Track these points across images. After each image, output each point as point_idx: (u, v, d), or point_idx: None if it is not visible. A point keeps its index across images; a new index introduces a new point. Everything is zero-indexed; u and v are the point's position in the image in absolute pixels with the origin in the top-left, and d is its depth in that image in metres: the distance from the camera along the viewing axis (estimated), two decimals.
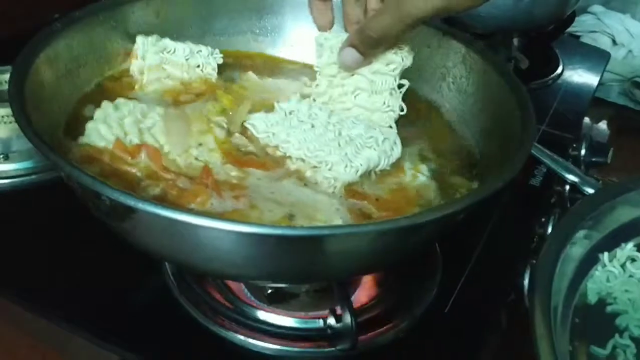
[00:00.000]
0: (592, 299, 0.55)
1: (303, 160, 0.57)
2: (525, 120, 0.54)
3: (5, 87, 0.77)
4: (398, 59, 0.60)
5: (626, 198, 0.58)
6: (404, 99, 0.62)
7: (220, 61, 0.69)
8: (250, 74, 0.71)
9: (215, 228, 0.41)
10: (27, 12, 0.96)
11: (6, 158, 0.72)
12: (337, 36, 0.62)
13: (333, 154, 0.56)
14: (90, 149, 0.54)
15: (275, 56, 0.75)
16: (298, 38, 0.74)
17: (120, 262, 0.61)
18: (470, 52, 0.65)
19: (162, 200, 0.50)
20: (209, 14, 0.72)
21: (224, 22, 0.73)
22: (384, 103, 0.61)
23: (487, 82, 0.63)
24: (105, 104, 0.58)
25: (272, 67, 0.74)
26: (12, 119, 0.72)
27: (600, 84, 1.02)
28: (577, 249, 0.54)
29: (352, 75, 0.62)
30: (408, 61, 0.61)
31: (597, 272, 0.56)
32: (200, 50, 0.68)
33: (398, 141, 0.59)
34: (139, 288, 0.62)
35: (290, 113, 0.60)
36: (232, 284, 0.60)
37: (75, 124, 0.57)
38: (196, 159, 0.56)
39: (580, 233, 0.54)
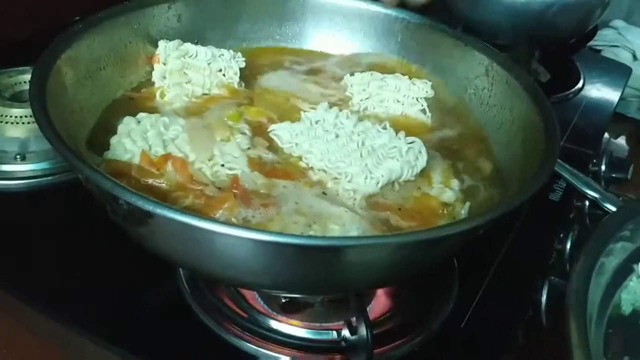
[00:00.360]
0: (627, 309, 0.54)
1: (325, 171, 0.56)
2: (549, 136, 0.54)
3: (24, 87, 0.78)
4: (422, 89, 0.66)
5: None
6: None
7: (243, 65, 0.68)
8: (275, 76, 0.71)
9: (233, 235, 0.41)
10: (50, 13, 0.96)
11: (23, 158, 0.71)
12: (362, 74, 0.67)
13: (354, 165, 0.55)
14: (117, 163, 0.54)
15: (302, 53, 0.74)
16: (320, 43, 0.74)
17: (134, 266, 0.60)
18: (494, 64, 0.65)
19: (191, 210, 0.50)
20: (230, 19, 0.72)
21: (245, 27, 0.73)
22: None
23: (510, 95, 0.62)
24: (128, 119, 0.58)
25: (297, 66, 0.73)
26: (30, 119, 0.72)
27: (620, 99, 1.01)
28: (611, 260, 0.53)
29: (382, 100, 0.66)
30: (430, 93, 0.67)
31: (632, 283, 0.55)
32: (222, 54, 0.67)
33: (423, 150, 0.58)
34: (152, 292, 0.61)
35: (316, 122, 0.60)
36: (245, 292, 0.60)
37: (98, 134, 0.57)
38: (222, 166, 0.56)
39: (616, 244, 0.53)
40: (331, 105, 0.63)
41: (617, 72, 1.07)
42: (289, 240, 0.40)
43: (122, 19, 0.64)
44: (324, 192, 0.55)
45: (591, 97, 0.98)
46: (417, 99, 0.67)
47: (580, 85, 0.98)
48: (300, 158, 0.58)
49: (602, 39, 1.19)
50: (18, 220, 0.66)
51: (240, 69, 0.68)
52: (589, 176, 0.79)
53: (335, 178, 0.56)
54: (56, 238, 0.64)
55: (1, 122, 0.72)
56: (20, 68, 0.80)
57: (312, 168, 0.57)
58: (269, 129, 0.61)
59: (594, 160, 0.85)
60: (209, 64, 0.67)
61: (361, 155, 0.56)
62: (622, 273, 0.54)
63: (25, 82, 0.78)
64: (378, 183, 0.55)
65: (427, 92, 0.67)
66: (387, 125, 0.60)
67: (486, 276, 0.64)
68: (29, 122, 0.72)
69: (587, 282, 0.48)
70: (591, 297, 0.47)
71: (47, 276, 0.61)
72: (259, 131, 0.61)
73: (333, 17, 0.72)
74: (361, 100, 0.67)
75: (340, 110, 0.62)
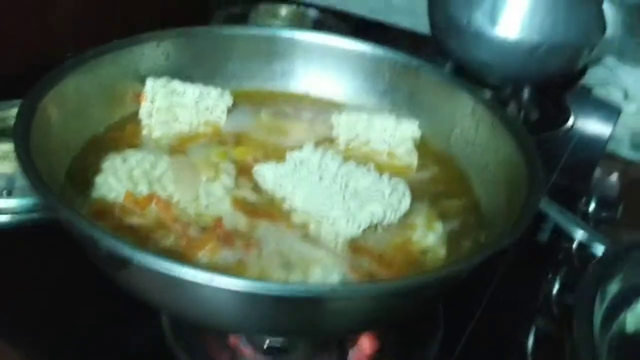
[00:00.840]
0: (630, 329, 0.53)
1: (307, 213, 0.56)
2: (533, 179, 0.54)
3: (11, 122, 0.78)
4: (409, 129, 0.67)
5: None
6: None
7: (230, 103, 0.68)
8: (263, 115, 0.71)
9: (211, 285, 0.40)
10: (41, 48, 0.97)
11: (9, 193, 0.71)
12: (350, 115, 0.67)
13: (336, 208, 0.55)
14: (101, 203, 0.54)
15: (289, 92, 0.74)
16: (309, 82, 0.74)
17: (117, 306, 0.59)
18: (479, 105, 0.65)
19: (172, 251, 0.50)
20: (219, 57, 0.72)
21: (234, 66, 0.73)
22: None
23: (495, 136, 0.62)
24: (113, 156, 0.58)
25: (285, 105, 0.73)
26: None
27: (611, 137, 1.01)
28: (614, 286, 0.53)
29: (369, 141, 0.67)
30: (417, 132, 0.67)
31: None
32: (210, 93, 0.68)
33: (407, 193, 0.57)
34: (134, 333, 0.60)
35: (300, 163, 0.60)
36: (229, 335, 0.59)
37: (80, 170, 0.57)
38: (207, 207, 0.55)
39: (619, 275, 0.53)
40: (317, 144, 0.64)
41: (606, 111, 1.07)
42: (265, 290, 0.40)
43: (111, 57, 0.64)
44: (305, 234, 0.55)
45: (581, 135, 0.99)
46: (403, 140, 0.67)
47: (570, 123, 0.99)
48: (283, 199, 0.58)
49: (594, 77, 1.19)
50: (4, 255, 0.66)
51: (228, 108, 0.68)
52: (578, 215, 0.79)
53: (317, 221, 0.56)
54: (40, 275, 0.64)
55: None
56: (10, 102, 0.80)
57: (295, 210, 0.57)
58: (253, 169, 0.61)
59: (584, 199, 0.85)
60: (196, 102, 0.67)
61: (344, 198, 0.56)
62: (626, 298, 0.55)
63: (13, 117, 0.78)
64: (360, 227, 0.55)
65: (413, 131, 0.67)
66: (372, 167, 0.60)
67: (472, 318, 0.64)
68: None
69: (592, 305, 0.48)
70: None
71: (29, 314, 0.60)
72: (243, 171, 0.61)
73: (322, 57, 0.72)
74: (348, 140, 0.67)
75: (326, 150, 0.62)
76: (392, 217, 0.56)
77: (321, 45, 0.72)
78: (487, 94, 0.67)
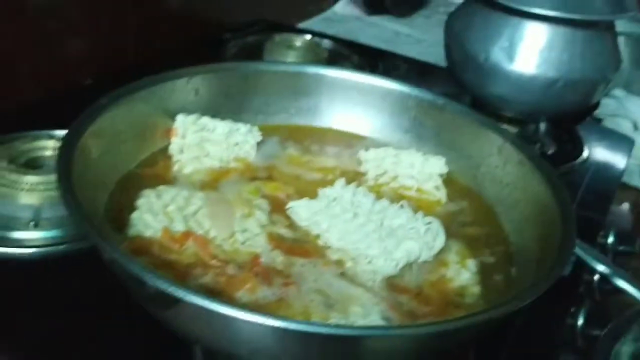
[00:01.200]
0: None
1: (343, 251, 0.57)
2: (566, 221, 0.55)
3: (39, 153, 0.79)
4: (436, 166, 0.68)
5: None
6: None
7: (259, 139, 0.69)
8: (290, 150, 0.72)
9: (263, 325, 0.41)
10: (58, 76, 0.98)
11: (36, 225, 0.71)
12: (378, 150, 0.69)
13: (373, 247, 0.56)
14: (139, 240, 0.54)
15: (317, 126, 0.75)
16: (333, 117, 0.75)
17: (147, 340, 0.60)
18: (506, 144, 0.66)
19: (211, 288, 0.50)
20: (246, 93, 0.73)
21: (260, 101, 0.74)
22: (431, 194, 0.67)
23: (523, 175, 0.63)
24: (147, 192, 0.59)
25: (310, 139, 0.74)
26: (45, 186, 0.72)
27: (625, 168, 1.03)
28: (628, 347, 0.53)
29: (397, 177, 0.68)
30: (444, 169, 0.68)
31: None
32: (239, 129, 0.69)
33: (441, 231, 0.59)
34: None
35: (333, 200, 0.60)
36: None
37: (114, 207, 0.58)
38: (243, 243, 0.56)
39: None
40: (348, 180, 0.64)
41: (619, 142, 1.08)
42: (318, 330, 0.41)
43: (143, 93, 0.65)
44: (342, 272, 0.55)
45: (596, 168, 1.00)
46: (431, 175, 0.68)
47: (585, 155, 1.00)
48: (318, 236, 0.59)
49: (603, 109, 1.21)
50: (29, 289, 0.65)
51: (258, 143, 0.69)
52: (597, 248, 0.80)
53: (354, 258, 0.56)
54: (68, 308, 0.64)
55: (16, 189, 0.72)
56: (34, 133, 0.81)
57: (330, 247, 0.58)
58: (287, 206, 0.61)
59: (601, 232, 0.86)
60: (226, 138, 0.68)
61: (380, 236, 0.57)
62: None
63: (39, 148, 0.79)
64: (397, 265, 0.56)
65: (441, 168, 0.68)
66: (405, 205, 0.60)
67: (500, 353, 0.64)
68: (43, 190, 0.73)
69: None
70: None
71: (58, 347, 0.60)
72: (276, 207, 0.62)
73: (348, 93, 0.74)
74: (376, 175, 0.68)
75: (358, 187, 0.62)
76: (426, 255, 0.57)
77: (348, 81, 0.74)
78: (513, 130, 0.67)
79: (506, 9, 0.87)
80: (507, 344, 0.66)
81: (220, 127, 0.68)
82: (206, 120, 0.68)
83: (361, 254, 0.56)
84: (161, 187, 0.60)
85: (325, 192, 0.62)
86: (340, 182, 0.63)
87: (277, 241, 0.57)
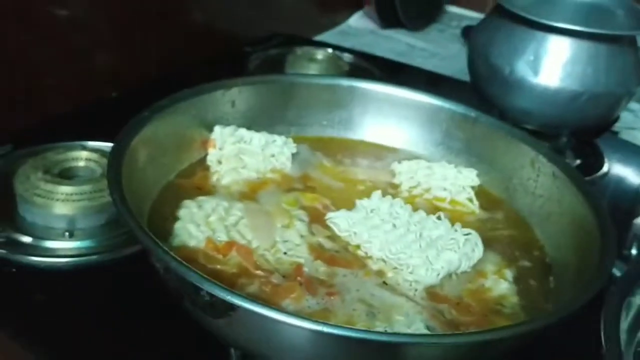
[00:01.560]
0: None
1: (384, 261, 0.58)
2: (604, 234, 0.56)
3: (72, 164, 0.80)
4: (468, 178, 0.69)
5: None
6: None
7: (294, 150, 0.71)
8: (324, 161, 0.73)
9: (317, 331, 0.42)
10: (84, 89, 0.99)
11: (71, 235, 0.72)
12: (411, 162, 0.71)
13: (414, 257, 0.57)
14: (184, 250, 0.55)
15: (349, 138, 0.77)
16: (365, 130, 0.77)
17: (181, 348, 0.60)
18: (539, 156, 0.67)
19: (258, 297, 0.51)
20: (280, 105, 0.74)
21: (294, 113, 0.75)
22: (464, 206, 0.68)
23: (557, 187, 0.64)
24: (188, 203, 0.60)
25: (343, 151, 0.75)
26: (79, 197, 0.73)
27: None
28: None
29: (429, 189, 0.69)
30: (476, 181, 0.70)
31: None
32: (275, 140, 0.70)
33: (479, 243, 0.60)
34: None
35: (371, 211, 0.61)
36: None
37: (157, 219, 0.59)
38: (285, 254, 0.57)
39: None
40: (382, 192, 0.65)
41: (637, 154, 1.10)
42: (379, 338, 0.42)
43: (183, 105, 0.66)
44: (384, 282, 0.56)
45: (617, 180, 1.01)
46: (463, 187, 0.69)
47: (605, 168, 1.01)
48: (358, 246, 0.60)
49: (620, 122, 1.23)
50: (64, 298, 0.66)
51: (292, 155, 0.70)
52: (621, 261, 0.81)
53: (395, 268, 0.57)
54: (102, 318, 0.65)
55: (51, 199, 0.73)
56: (67, 144, 0.82)
57: (370, 257, 0.59)
58: (326, 217, 0.63)
59: (625, 245, 0.86)
60: (262, 149, 0.69)
61: (420, 247, 0.58)
62: None
63: (73, 158, 0.80)
64: (439, 274, 0.57)
65: (473, 180, 0.69)
66: (442, 217, 0.62)
67: None
68: (77, 200, 0.74)
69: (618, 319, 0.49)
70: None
71: (90, 356, 0.61)
72: (315, 217, 0.63)
73: (380, 105, 0.75)
74: (410, 187, 0.70)
75: (395, 198, 0.63)
76: (466, 265, 0.58)
77: (380, 94, 0.75)
78: (547, 146, 0.68)
79: (531, 22, 0.88)
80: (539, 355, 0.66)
81: (256, 139, 0.69)
82: (243, 132, 0.69)
83: (403, 263, 0.57)
84: (201, 198, 0.61)
85: (362, 204, 0.63)
86: (377, 193, 0.64)
87: (318, 251, 0.58)
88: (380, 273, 0.57)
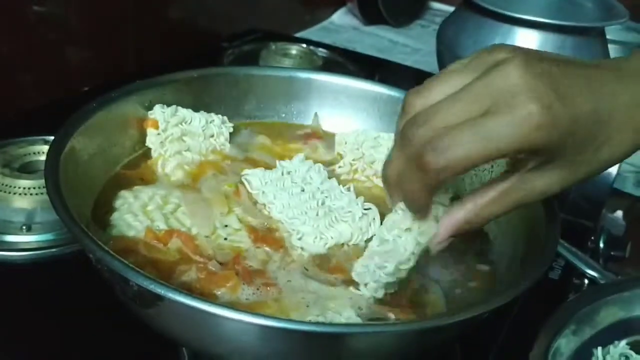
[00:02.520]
0: None
1: (281, 222, 0.59)
2: (550, 220, 0.55)
3: (33, 158, 0.80)
4: None
5: (618, 298, 0.63)
6: None
7: (231, 130, 0.70)
8: (263, 137, 0.72)
9: (243, 321, 0.41)
10: (57, 84, 0.99)
11: (29, 229, 0.72)
12: (356, 134, 0.70)
13: (307, 224, 0.58)
14: (123, 240, 0.55)
15: (289, 123, 0.76)
16: (324, 122, 0.76)
17: (135, 343, 0.60)
18: None
19: (194, 286, 0.51)
20: (237, 97, 0.74)
21: (252, 105, 0.75)
22: None
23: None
24: (124, 193, 0.59)
25: (285, 133, 0.75)
26: (38, 190, 0.73)
27: (617, 174, 1.02)
28: (567, 343, 0.56)
29: (373, 162, 0.68)
30: None
31: None
32: (213, 120, 0.68)
33: (377, 218, 0.59)
34: None
35: (287, 173, 0.62)
36: None
37: (101, 210, 0.58)
38: (225, 239, 0.57)
39: (571, 327, 0.57)
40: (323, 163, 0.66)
41: None
42: (307, 328, 0.42)
43: (135, 97, 0.66)
44: (305, 268, 0.56)
45: None
46: None
47: None
48: (264, 205, 0.61)
49: None
50: (22, 292, 0.66)
51: (230, 134, 0.70)
52: (587, 254, 0.80)
53: (288, 232, 0.58)
54: (57, 311, 0.64)
55: (9, 192, 0.73)
56: (30, 138, 0.82)
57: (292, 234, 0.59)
58: (242, 173, 0.63)
59: (592, 237, 0.86)
60: (203, 130, 0.68)
61: (317, 215, 0.59)
62: (581, 357, 0.57)
63: (34, 153, 0.80)
64: (326, 244, 0.58)
65: None
66: (351, 188, 0.62)
67: (488, 354, 0.64)
68: (36, 194, 0.74)
69: None
70: None
71: (46, 350, 0.60)
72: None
73: (337, 97, 0.74)
74: (353, 160, 0.69)
75: (315, 164, 0.64)
76: (358, 239, 0.59)
77: (338, 86, 0.75)
78: None
79: (497, 15, 0.88)
80: (497, 345, 0.66)
81: (196, 119, 0.67)
82: (184, 112, 0.67)
83: (295, 229, 0.58)
84: (137, 188, 0.60)
85: (282, 164, 0.64)
86: (300, 156, 0.65)
87: (254, 231, 0.58)
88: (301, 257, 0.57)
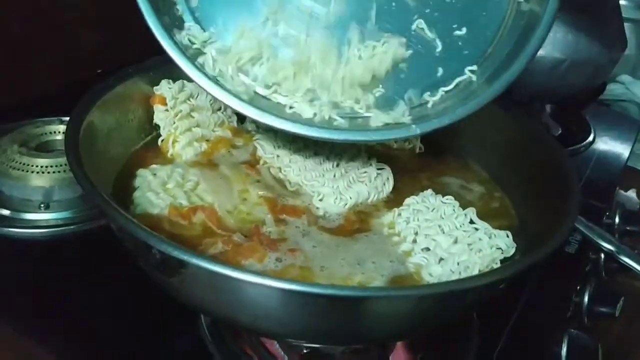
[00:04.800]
0: None
1: (300, 185, 0.61)
2: (569, 192, 0.55)
3: (50, 137, 0.80)
4: None
5: None
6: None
7: None
8: None
9: (270, 286, 0.41)
10: (71, 67, 0.99)
11: (47, 207, 0.73)
12: None
13: (326, 185, 0.60)
14: (148, 217, 0.55)
15: None
16: None
17: (154, 313, 0.61)
18: (509, 118, 0.66)
19: (219, 257, 0.51)
20: None
21: None
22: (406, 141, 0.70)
23: (529, 152, 0.63)
24: (142, 171, 0.59)
25: None
26: (55, 169, 0.74)
27: (630, 152, 1.03)
28: None
29: None
30: None
31: None
32: None
33: (391, 178, 0.62)
34: (174, 340, 0.61)
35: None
36: (267, 341, 0.60)
37: (123, 188, 0.58)
38: (247, 214, 0.57)
39: None
40: None
41: (626, 125, 1.09)
42: (325, 291, 0.42)
43: (150, 73, 0.66)
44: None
45: (602, 151, 1.00)
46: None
47: (591, 138, 1.00)
48: (279, 169, 0.62)
49: (611, 94, 1.21)
50: (40, 268, 0.67)
51: None
52: (603, 229, 0.80)
53: (308, 194, 0.60)
54: (77, 285, 0.65)
55: (27, 171, 0.74)
56: (46, 119, 0.82)
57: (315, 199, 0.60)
58: (254, 138, 0.65)
59: (607, 213, 0.86)
60: (210, 104, 0.67)
61: (334, 177, 0.60)
62: None
63: (51, 132, 0.80)
64: (346, 204, 0.59)
65: None
66: (362, 150, 0.63)
67: (506, 328, 0.65)
68: (53, 172, 0.74)
69: None
70: None
71: (66, 324, 0.61)
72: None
73: None
74: None
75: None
76: (375, 198, 0.61)
77: None
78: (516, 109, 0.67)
79: None
80: (514, 318, 0.66)
81: (203, 93, 0.66)
82: (190, 86, 0.66)
83: (315, 191, 0.60)
84: (154, 166, 0.60)
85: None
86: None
87: (273, 204, 0.58)
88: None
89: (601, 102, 1.15)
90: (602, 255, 0.77)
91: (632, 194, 1.05)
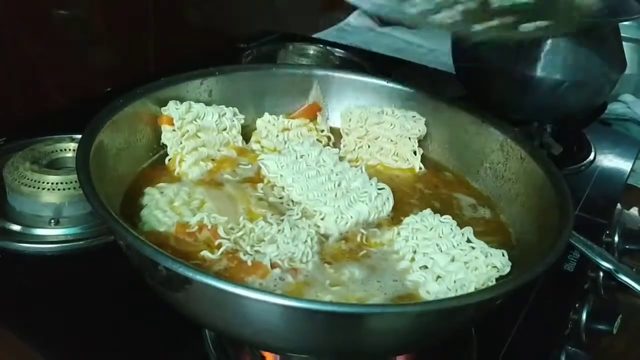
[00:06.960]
0: None
1: (302, 205, 0.62)
2: (564, 210, 0.56)
3: (60, 155, 0.82)
4: (415, 128, 0.72)
5: None
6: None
7: (243, 122, 0.72)
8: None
9: (268, 302, 0.43)
10: (81, 85, 1.02)
11: (57, 223, 0.75)
12: (360, 111, 0.73)
13: (328, 205, 0.61)
14: (155, 235, 0.56)
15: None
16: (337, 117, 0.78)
17: (160, 328, 0.62)
18: (508, 140, 0.68)
19: (222, 274, 0.53)
20: (257, 93, 0.76)
21: (271, 101, 0.76)
22: (406, 160, 0.72)
23: (524, 170, 0.65)
24: (150, 190, 0.61)
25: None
26: (65, 186, 0.75)
27: (631, 170, 1.04)
28: None
29: (377, 138, 0.72)
30: (423, 131, 0.73)
31: None
32: (225, 113, 0.70)
33: (391, 197, 0.64)
34: (178, 354, 0.62)
35: (300, 157, 0.66)
36: (268, 355, 0.62)
37: (131, 206, 0.60)
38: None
39: None
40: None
41: (626, 144, 1.10)
42: (326, 308, 0.44)
43: (159, 94, 0.68)
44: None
45: (603, 169, 1.01)
46: (410, 139, 0.72)
47: (591, 157, 1.01)
48: (282, 189, 0.64)
49: (612, 113, 1.23)
50: (49, 284, 0.68)
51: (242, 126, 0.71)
52: (602, 247, 0.81)
53: (310, 213, 0.61)
54: (85, 300, 0.66)
55: (38, 188, 0.75)
56: (57, 136, 0.84)
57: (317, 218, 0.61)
58: (258, 158, 0.67)
59: (607, 232, 0.87)
60: (216, 124, 0.69)
61: (336, 196, 0.62)
62: None
63: (61, 150, 0.82)
64: (347, 223, 0.61)
65: (419, 130, 0.72)
66: (363, 169, 0.66)
67: (504, 346, 0.66)
68: (64, 189, 0.76)
69: None
70: None
71: (75, 339, 0.62)
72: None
73: (355, 92, 0.77)
74: (357, 137, 0.73)
75: (325, 147, 0.69)
76: (375, 217, 0.62)
77: (351, 80, 0.77)
78: (516, 131, 0.69)
79: None
80: (512, 336, 0.67)
81: (209, 114, 0.69)
82: (197, 107, 0.68)
83: (317, 210, 0.61)
84: (162, 185, 0.62)
85: (294, 148, 0.67)
86: (310, 140, 0.68)
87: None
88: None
89: (602, 121, 1.16)
90: (601, 273, 0.78)
91: (634, 212, 1.06)
